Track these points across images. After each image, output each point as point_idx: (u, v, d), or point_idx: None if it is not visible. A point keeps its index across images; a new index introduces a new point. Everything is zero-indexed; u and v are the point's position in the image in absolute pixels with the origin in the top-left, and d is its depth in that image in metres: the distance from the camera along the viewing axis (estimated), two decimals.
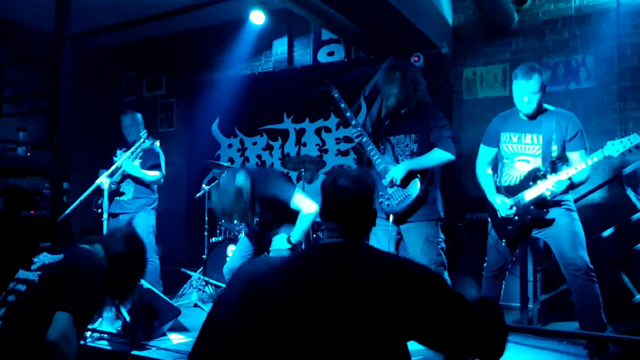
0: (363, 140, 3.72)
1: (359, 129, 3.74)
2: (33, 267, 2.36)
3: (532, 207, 3.31)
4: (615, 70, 5.10)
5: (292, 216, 3.63)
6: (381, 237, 3.69)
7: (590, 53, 5.24)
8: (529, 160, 3.36)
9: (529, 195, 3.30)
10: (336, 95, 3.88)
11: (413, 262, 1.74)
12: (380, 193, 3.65)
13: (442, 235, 3.69)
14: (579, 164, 3.20)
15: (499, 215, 3.44)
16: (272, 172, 4.22)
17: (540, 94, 3.28)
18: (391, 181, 3.58)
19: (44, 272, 2.31)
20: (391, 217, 3.64)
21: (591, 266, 3.24)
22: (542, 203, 3.29)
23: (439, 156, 3.57)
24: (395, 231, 3.69)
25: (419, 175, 3.59)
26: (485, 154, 3.62)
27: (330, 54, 6.68)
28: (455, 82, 5.90)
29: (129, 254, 2.56)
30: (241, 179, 3.54)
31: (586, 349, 3.35)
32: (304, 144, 6.59)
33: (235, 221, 3.77)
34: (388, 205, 3.63)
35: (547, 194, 3.25)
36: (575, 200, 4.46)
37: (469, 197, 5.38)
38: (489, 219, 3.58)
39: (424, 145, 3.63)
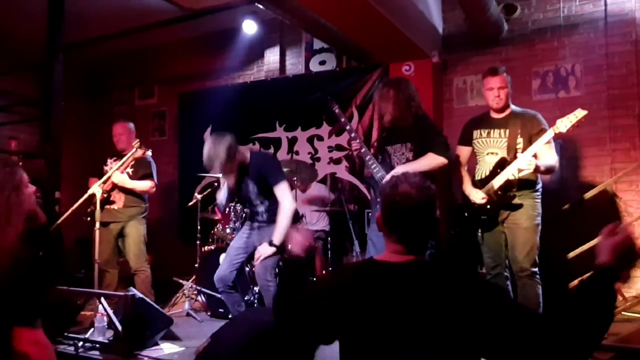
0: (362, 150, 3.86)
1: (358, 140, 3.89)
2: None
3: (499, 192, 3.61)
4: (603, 78, 5.15)
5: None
6: (378, 244, 3.72)
7: (579, 62, 5.29)
8: (497, 152, 3.70)
9: (497, 182, 3.60)
10: (337, 111, 4.05)
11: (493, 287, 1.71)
12: (378, 199, 3.69)
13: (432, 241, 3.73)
14: (541, 148, 3.51)
15: (475, 206, 3.71)
16: (273, 157, 4.36)
17: (507, 89, 3.69)
18: None
19: None
20: None
21: (536, 269, 3.61)
22: (509, 187, 3.59)
23: (432, 160, 3.68)
24: None
25: None
26: (460, 153, 3.96)
27: (322, 63, 6.70)
28: (446, 91, 5.94)
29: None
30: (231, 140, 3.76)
31: None
32: (296, 152, 6.60)
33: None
34: None
35: (512, 178, 3.57)
36: (567, 206, 4.54)
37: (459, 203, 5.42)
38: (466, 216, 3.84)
39: (420, 153, 3.75)
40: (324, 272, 5.41)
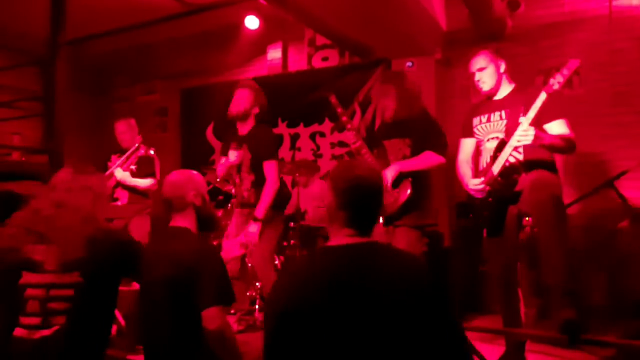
0: (357, 144, 3.78)
1: (353, 133, 3.80)
2: None
3: (499, 179, 3.07)
4: (607, 75, 5.13)
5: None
6: None
7: (583, 58, 5.26)
8: (499, 136, 3.21)
9: (496, 167, 3.08)
10: (333, 101, 3.96)
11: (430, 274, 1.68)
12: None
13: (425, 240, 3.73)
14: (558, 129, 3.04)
15: (477, 202, 3.26)
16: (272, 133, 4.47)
17: (490, 69, 3.29)
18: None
19: None
20: (381, 219, 3.67)
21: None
22: (511, 172, 3.05)
23: (430, 159, 3.64)
24: (384, 233, 3.70)
25: (410, 178, 3.63)
26: (463, 147, 3.53)
27: (325, 59, 6.70)
28: (449, 87, 5.93)
29: None
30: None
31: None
32: (299, 149, 6.60)
33: None
34: None
35: (514, 160, 3.05)
36: (570, 205, 4.51)
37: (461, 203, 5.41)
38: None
39: (418, 150, 3.69)
40: None
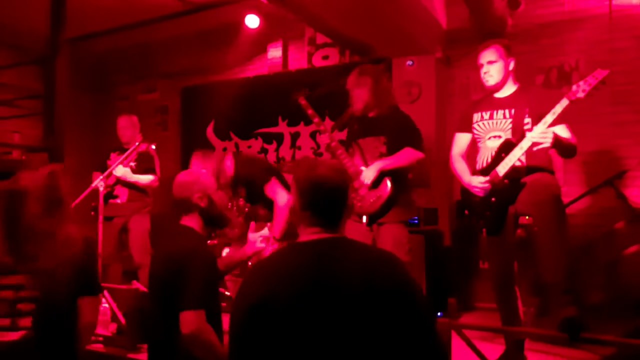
0: (332, 145, 3.74)
1: (327, 134, 3.78)
2: None
3: (506, 181, 3.07)
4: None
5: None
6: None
7: (583, 57, 5.27)
8: (501, 135, 3.18)
9: (503, 168, 3.07)
10: (302, 102, 3.94)
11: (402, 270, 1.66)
12: (352, 195, 3.64)
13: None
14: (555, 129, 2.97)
15: (477, 201, 3.23)
16: (253, 160, 4.47)
17: (500, 64, 3.22)
18: (363, 182, 3.57)
19: None
20: (364, 218, 3.66)
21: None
22: (516, 174, 3.06)
23: (410, 155, 3.60)
24: (368, 232, 3.69)
25: (390, 176, 3.60)
26: (459, 141, 3.49)
27: (325, 57, 6.69)
28: (449, 86, 5.92)
29: None
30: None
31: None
32: (299, 147, 6.60)
33: None
34: (361, 206, 3.63)
35: (519, 164, 3.05)
36: (569, 205, 4.52)
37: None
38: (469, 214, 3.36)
39: (394, 147, 3.64)
40: None
